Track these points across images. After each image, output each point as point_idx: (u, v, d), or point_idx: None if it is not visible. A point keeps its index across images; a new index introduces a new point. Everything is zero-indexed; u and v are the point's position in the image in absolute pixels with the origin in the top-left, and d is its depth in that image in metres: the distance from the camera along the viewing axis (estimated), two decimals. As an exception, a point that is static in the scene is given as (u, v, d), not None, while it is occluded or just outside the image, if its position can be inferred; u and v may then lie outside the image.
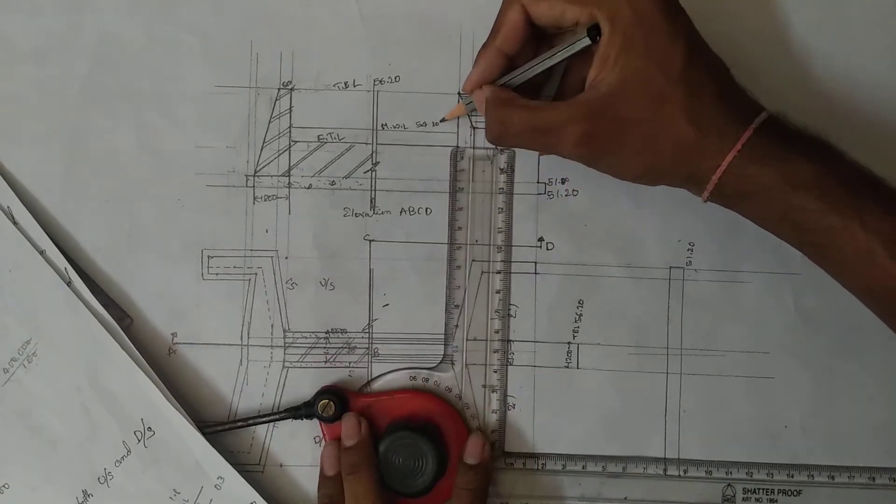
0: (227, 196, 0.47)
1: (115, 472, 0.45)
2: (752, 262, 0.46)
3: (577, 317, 0.46)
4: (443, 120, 0.46)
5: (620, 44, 0.38)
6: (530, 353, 0.46)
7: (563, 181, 0.46)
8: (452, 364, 0.46)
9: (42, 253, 0.46)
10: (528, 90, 0.42)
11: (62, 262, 0.46)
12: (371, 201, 0.47)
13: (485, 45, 0.41)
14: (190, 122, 0.47)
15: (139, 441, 0.45)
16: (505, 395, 0.46)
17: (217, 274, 0.47)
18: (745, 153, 0.38)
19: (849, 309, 0.45)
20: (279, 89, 0.47)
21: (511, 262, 0.46)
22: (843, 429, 0.46)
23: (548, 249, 0.46)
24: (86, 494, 0.45)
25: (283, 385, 0.46)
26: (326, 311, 0.47)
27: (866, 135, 0.45)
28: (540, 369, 0.46)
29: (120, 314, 0.46)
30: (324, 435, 0.45)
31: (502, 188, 0.46)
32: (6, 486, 0.46)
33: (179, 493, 0.45)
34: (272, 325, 0.47)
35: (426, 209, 0.47)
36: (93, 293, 0.45)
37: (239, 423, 0.46)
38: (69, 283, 0.45)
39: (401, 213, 0.47)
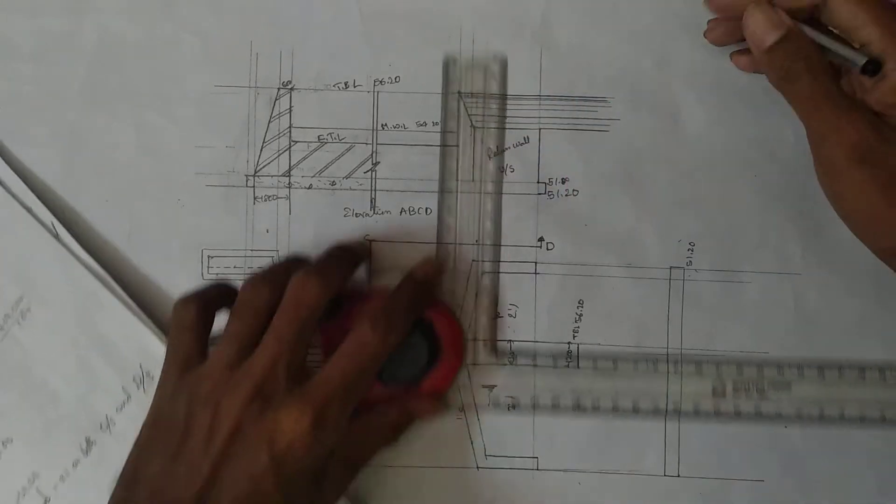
0: (227, 196, 0.47)
1: (117, 419, 0.46)
2: (752, 262, 0.46)
3: (577, 317, 0.46)
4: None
5: None
6: (530, 353, 0.46)
7: (564, 181, 0.46)
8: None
9: (29, 210, 0.46)
10: None
11: (48, 217, 0.46)
12: (371, 201, 0.47)
13: None
14: (190, 122, 0.47)
15: (138, 387, 0.46)
16: (496, 299, 0.46)
17: (217, 274, 0.47)
18: None
19: (849, 309, 0.45)
20: (279, 89, 0.47)
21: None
22: (844, 428, 0.46)
23: (548, 249, 0.46)
24: (88, 442, 0.46)
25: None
26: (326, 311, 0.47)
27: None
28: (540, 369, 0.46)
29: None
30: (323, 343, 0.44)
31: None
32: (9, 440, 0.46)
33: None
34: (272, 325, 0.47)
35: (426, 209, 0.47)
36: (81, 245, 0.46)
37: None
38: (56, 237, 0.46)
39: (401, 213, 0.47)
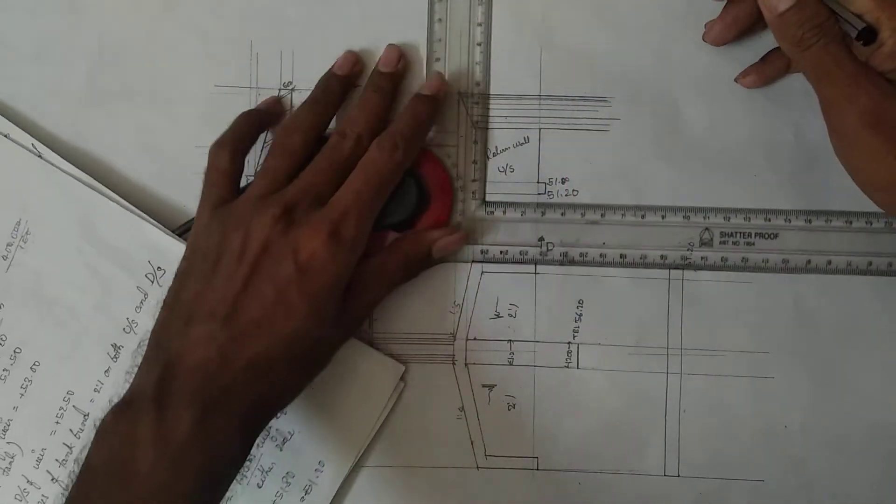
0: (227, 196, 0.47)
1: (138, 318, 0.46)
2: (752, 262, 0.46)
3: (577, 317, 0.46)
4: None
5: None
6: (530, 353, 0.46)
7: (564, 181, 0.46)
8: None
9: (6, 136, 0.46)
10: None
11: (28, 140, 0.46)
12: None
13: None
14: (190, 122, 0.47)
15: (153, 282, 0.46)
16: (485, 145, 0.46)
17: (217, 274, 0.47)
18: None
19: (849, 309, 0.45)
20: (279, 89, 0.47)
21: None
22: (845, 427, 0.46)
23: (548, 249, 0.46)
24: (116, 348, 0.46)
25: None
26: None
27: None
28: (540, 369, 0.46)
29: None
30: None
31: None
32: (37, 363, 0.47)
33: None
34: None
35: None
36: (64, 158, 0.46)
37: None
38: (40, 156, 0.46)
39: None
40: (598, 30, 0.46)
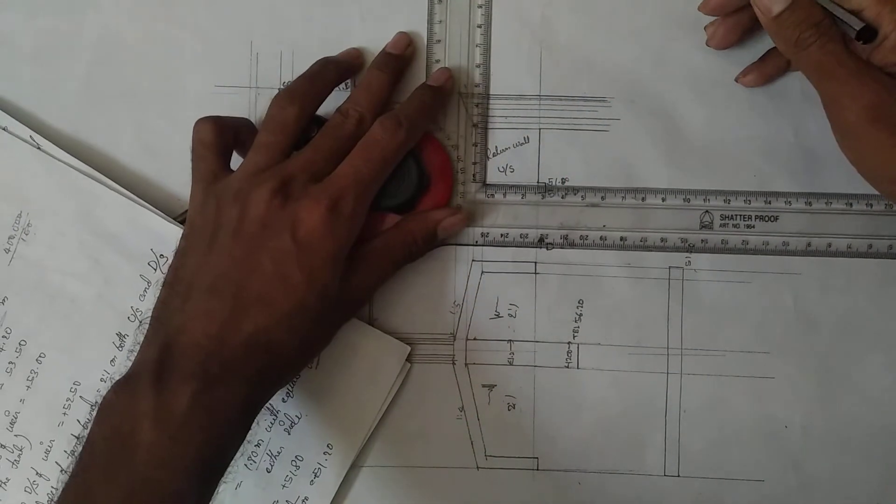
0: (227, 196, 0.47)
1: (142, 307, 0.46)
2: (752, 263, 0.46)
3: (577, 317, 0.46)
4: None
5: None
6: (530, 353, 0.46)
7: (564, 181, 0.46)
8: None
9: (5, 129, 0.46)
10: None
11: (26, 132, 0.46)
12: (371, 201, 0.47)
13: None
14: (190, 122, 0.46)
15: (155, 270, 0.46)
16: (486, 132, 0.46)
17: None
18: None
19: (849, 309, 0.45)
20: (279, 89, 0.47)
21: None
22: (845, 427, 0.46)
23: (548, 249, 0.46)
24: (121, 336, 0.46)
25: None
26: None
27: None
28: (540, 369, 0.46)
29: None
30: None
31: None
32: (42, 355, 0.47)
33: None
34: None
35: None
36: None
37: None
38: (39, 148, 0.46)
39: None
40: (597, 30, 0.46)
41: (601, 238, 0.46)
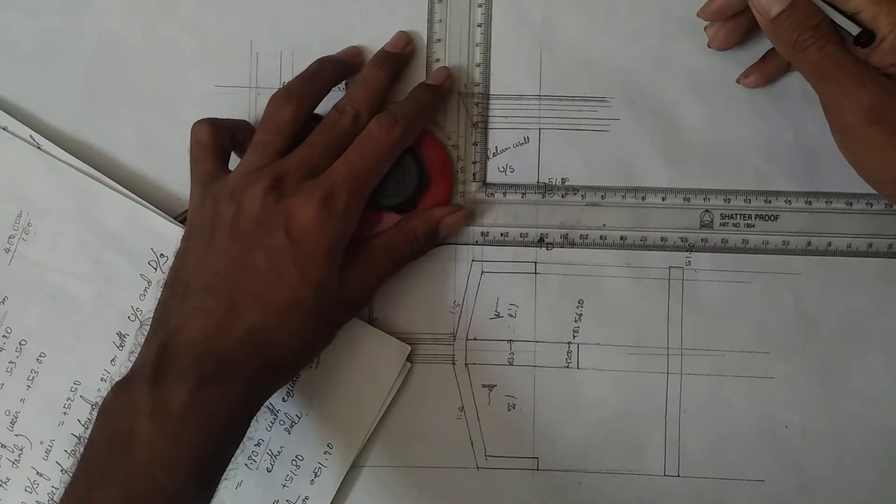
0: (227, 196, 0.47)
1: (142, 306, 0.46)
2: (752, 262, 0.46)
3: (577, 317, 0.46)
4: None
5: None
6: (530, 353, 0.46)
7: (564, 181, 0.46)
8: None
9: (5, 128, 0.46)
10: None
11: (26, 132, 0.46)
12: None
13: None
14: (190, 122, 0.46)
15: (155, 269, 0.46)
16: (486, 130, 0.46)
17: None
18: None
19: (849, 309, 0.45)
20: (279, 89, 0.47)
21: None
22: (845, 427, 0.46)
23: (548, 249, 0.46)
24: (121, 336, 0.46)
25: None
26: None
27: None
28: (540, 369, 0.46)
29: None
30: None
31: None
32: (43, 355, 0.47)
33: None
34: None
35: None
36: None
37: None
38: (39, 147, 0.46)
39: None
40: (597, 30, 0.46)
41: (601, 237, 0.46)
